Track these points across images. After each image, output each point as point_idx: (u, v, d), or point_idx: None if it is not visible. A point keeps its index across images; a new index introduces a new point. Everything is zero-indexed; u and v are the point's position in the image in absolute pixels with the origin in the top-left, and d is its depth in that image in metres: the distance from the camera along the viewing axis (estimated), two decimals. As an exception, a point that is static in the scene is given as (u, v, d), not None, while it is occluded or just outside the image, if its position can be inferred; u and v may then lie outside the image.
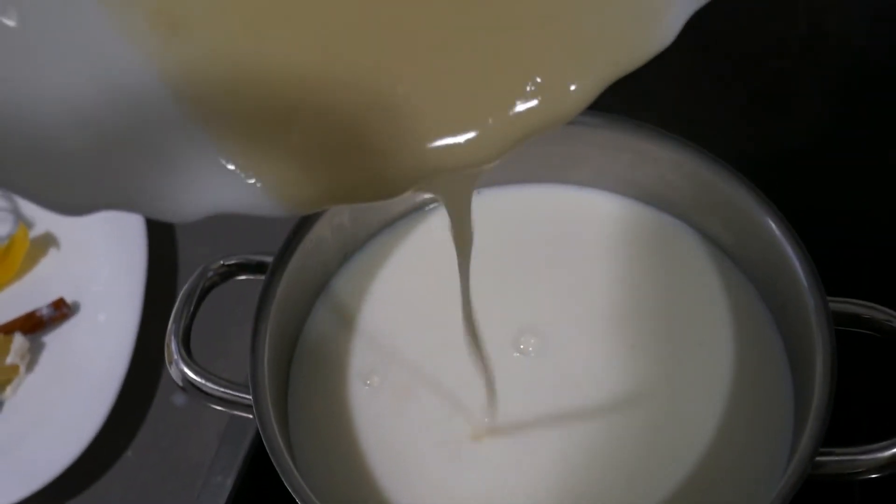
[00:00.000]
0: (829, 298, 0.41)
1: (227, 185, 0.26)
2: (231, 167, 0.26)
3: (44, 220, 0.67)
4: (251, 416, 0.41)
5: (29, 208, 0.67)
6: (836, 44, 0.62)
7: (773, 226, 0.43)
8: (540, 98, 0.27)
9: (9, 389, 0.59)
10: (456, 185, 0.31)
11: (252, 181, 0.26)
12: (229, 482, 0.50)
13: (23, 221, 0.66)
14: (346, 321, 0.47)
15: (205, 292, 0.46)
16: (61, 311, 0.61)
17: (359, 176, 0.27)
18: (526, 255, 0.49)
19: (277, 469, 0.38)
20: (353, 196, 0.28)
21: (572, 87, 0.28)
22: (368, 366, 0.46)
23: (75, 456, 0.54)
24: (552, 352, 0.46)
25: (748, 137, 0.59)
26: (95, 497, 0.56)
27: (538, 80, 0.27)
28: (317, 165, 0.27)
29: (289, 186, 0.27)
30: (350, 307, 0.48)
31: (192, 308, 0.45)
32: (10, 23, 0.24)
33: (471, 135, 0.27)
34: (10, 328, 0.61)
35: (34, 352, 0.61)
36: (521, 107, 0.27)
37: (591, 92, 0.28)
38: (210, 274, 0.46)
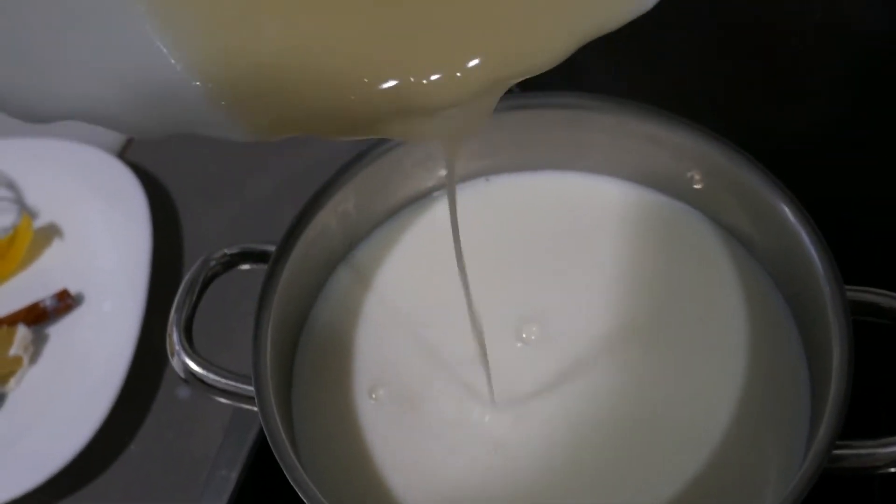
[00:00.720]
0: (846, 287, 0.40)
1: (197, 105, 0.26)
2: (200, 85, 0.26)
3: (48, 210, 0.66)
4: (255, 409, 0.40)
5: (33, 198, 0.67)
6: (852, 27, 0.61)
7: (788, 211, 0.42)
8: (510, 47, 0.27)
9: (12, 381, 0.59)
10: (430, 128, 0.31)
11: (222, 103, 0.26)
12: (234, 476, 0.49)
13: (27, 211, 0.66)
14: (350, 312, 0.47)
15: (207, 282, 0.45)
16: (65, 302, 0.61)
17: (326, 106, 0.27)
18: (533, 243, 0.48)
19: (279, 462, 0.38)
20: (321, 126, 0.28)
21: (544, 40, 0.27)
22: (374, 373, 0.45)
23: (79, 449, 0.54)
24: (555, 340, 0.45)
25: (762, 122, 0.58)
26: (99, 490, 0.56)
27: (509, 29, 0.27)
28: (290, 90, 0.27)
29: (256, 110, 0.27)
30: (355, 297, 0.47)
31: (194, 298, 0.44)
32: None
33: (436, 76, 0.27)
34: (13, 319, 0.60)
35: (38, 343, 0.60)
36: (490, 54, 0.27)
37: (565, 46, 0.28)
38: (212, 263, 0.45)
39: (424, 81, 0.27)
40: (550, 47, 0.28)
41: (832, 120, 0.58)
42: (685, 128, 0.45)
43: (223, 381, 0.43)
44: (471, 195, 0.50)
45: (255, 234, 0.60)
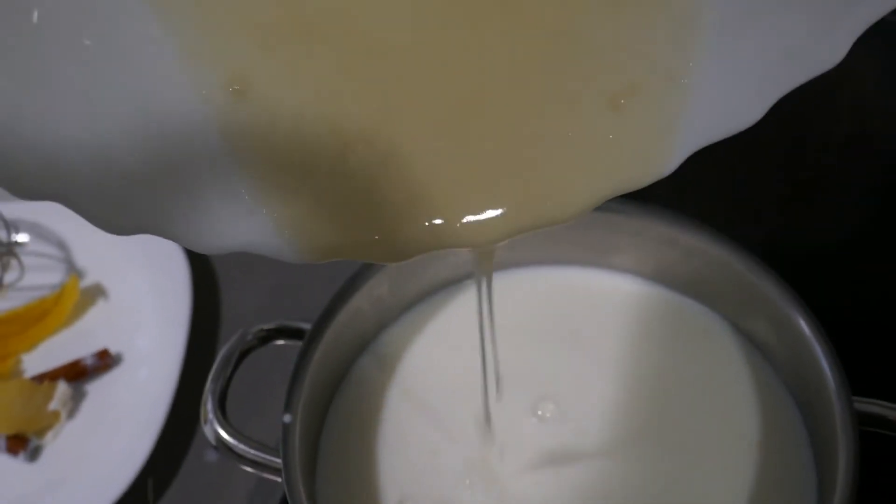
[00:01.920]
0: (854, 398, 0.41)
1: (259, 229, 0.28)
2: (266, 214, 0.28)
3: (95, 271, 0.69)
4: (279, 479, 0.42)
5: (81, 259, 0.70)
6: (877, 141, 0.63)
7: (803, 323, 0.43)
8: (543, 199, 0.29)
9: (49, 434, 0.61)
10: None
11: (285, 231, 0.28)
12: (256, 541, 0.51)
13: (75, 271, 0.68)
14: (376, 393, 0.48)
15: (243, 354, 0.47)
16: (105, 361, 0.63)
17: (374, 238, 0.29)
18: (555, 331, 0.50)
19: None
20: (368, 255, 0.29)
21: (572, 197, 0.29)
22: (398, 484, 0.46)
23: (108, 505, 0.56)
24: (569, 420, 0.46)
25: (785, 229, 0.60)
26: (125, 547, 0.57)
27: (543, 181, 0.29)
28: (343, 222, 0.28)
29: (313, 238, 0.28)
30: (381, 381, 0.49)
31: (229, 371, 0.46)
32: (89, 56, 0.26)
33: (471, 219, 0.29)
34: (55, 375, 0.62)
35: (76, 399, 0.62)
36: (523, 204, 0.29)
37: (590, 203, 0.29)
38: (249, 337, 0.47)
39: (457, 224, 0.28)
40: (579, 204, 0.29)
41: (853, 232, 0.60)
42: (706, 235, 0.47)
43: (252, 451, 0.44)
44: (496, 284, 0.51)
45: (292, 304, 0.63)
